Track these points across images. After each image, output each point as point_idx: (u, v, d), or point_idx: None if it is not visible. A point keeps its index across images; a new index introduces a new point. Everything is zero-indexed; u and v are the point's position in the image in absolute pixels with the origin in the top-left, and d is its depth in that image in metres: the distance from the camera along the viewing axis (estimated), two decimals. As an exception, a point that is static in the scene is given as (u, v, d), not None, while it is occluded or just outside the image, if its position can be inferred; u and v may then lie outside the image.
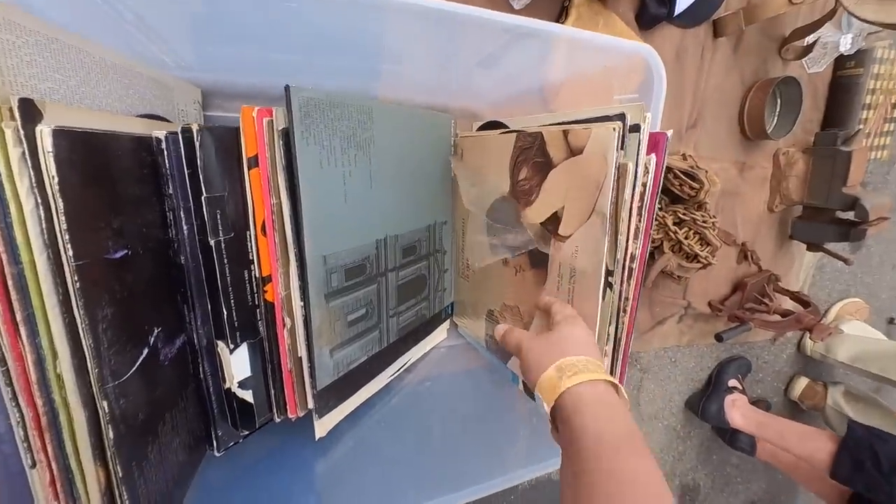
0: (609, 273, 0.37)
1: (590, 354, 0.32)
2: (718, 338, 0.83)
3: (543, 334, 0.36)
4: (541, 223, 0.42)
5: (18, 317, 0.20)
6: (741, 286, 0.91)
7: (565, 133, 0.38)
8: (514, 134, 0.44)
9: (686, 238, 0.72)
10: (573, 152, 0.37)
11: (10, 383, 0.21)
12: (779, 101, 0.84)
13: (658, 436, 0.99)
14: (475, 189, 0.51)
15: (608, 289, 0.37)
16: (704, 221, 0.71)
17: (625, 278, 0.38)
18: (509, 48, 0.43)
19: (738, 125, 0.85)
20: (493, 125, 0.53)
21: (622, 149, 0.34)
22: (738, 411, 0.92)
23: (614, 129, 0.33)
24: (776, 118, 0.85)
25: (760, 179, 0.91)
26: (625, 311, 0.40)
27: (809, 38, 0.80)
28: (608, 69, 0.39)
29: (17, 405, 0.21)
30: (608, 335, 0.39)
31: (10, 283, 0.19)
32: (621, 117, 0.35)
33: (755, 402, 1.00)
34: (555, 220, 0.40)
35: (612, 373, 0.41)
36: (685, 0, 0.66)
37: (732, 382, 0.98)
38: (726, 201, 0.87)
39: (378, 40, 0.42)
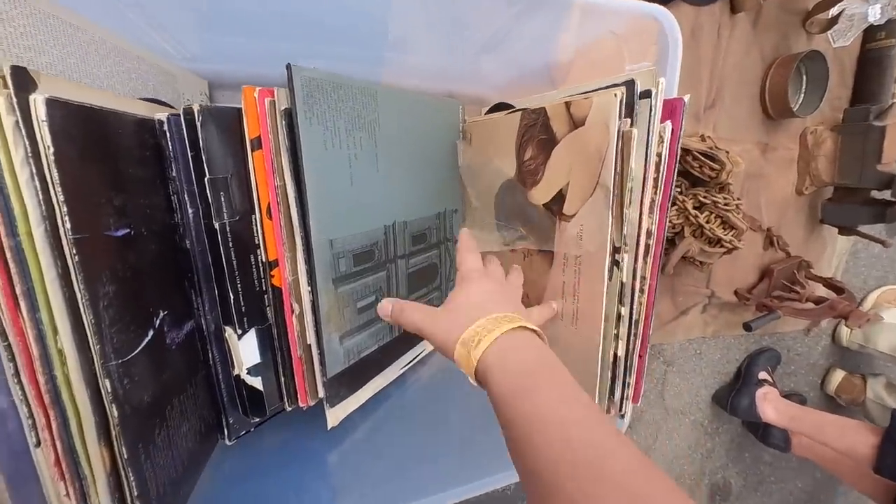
0: (616, 250, 0.35)
1: (487, 312, 0.30)
2: (747, 327, 0.80)
3: (439, 310, 0.32)
4: (545, 204, 0.40)
5: (18, 290, 0.20)
6: (768, 273, 0.87)
7: (567, 105, 0.36)
8: (520, 113, 0.42)
9: (707, 222, 0.69)
10: (576, 124, 0.36)
11: (12, 358, 0.20)
12: (804, 77, 0.80)
13: (685, 432, 0.95)
14: (483, 175, 0.50)
15: (615, 267, 0.35)
16: (727, 204, 0.68)
17: (640, 255, 0.36)
18: (515, 25, 0.42)
19: (759, 104, 0.81)
20: (501, 108, 0.52)
21: (630, 116, 0.33)
22: (770, 405, 0.87)
23: (616, 94, 0.32)
24: (801, 95, 0.81)
25: (786, 161, 0.86)
26: (642, 290, 0.38)
27: (834, 10, 0.76)
28: (618, 37, 0.37)
29: (20, 381, 0.21)
30: (620, 316, 0.37)
31: (8, 255, 0.19)
32: (629, 84, 0.33)
33: (788, 397, 0.95)
34: (559, 199, 0.39)
35: (629, 356, 0.38)
36: (699, -26, 0.64)
37: (762, 375, 0.93)
38: (749, 184, 0.83)
39: (382, 26, 0.42)
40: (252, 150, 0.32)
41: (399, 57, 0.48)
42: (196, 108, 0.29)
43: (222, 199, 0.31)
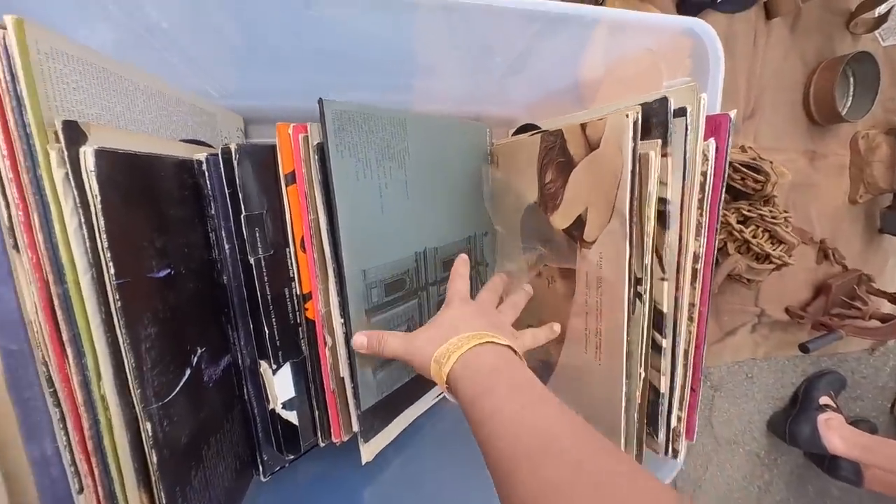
0: (637, 281, 0.32)
1: (460, 332, 0.32)
2: (804, 348, 0.74)
3: (417, 333, 0.34)
4: (565, 229, 0.39)
5: (64, 337, 0.20)
6: (824, 289, 0.80)
7: (583, 127, 0.35)
8: (540, 135, 0.41)
9: (754, 237, 0.65)
10: (591, 147, 0.34)
11: (57, 404, 0.20)
12: (851, 80, 0.76)
13: (739, 462, 0.88)
14: (509, 198, 0.49)
15: (637, 300, 0.33)
16: (774, 217, 0.64)
17: (687, 281, 0.34)
18: (542, 43, 0.41)
19: (803, 111, 0.77)
20: (526, 129, 0.51)
21: (663, 136, 0.31)
22: (835, 433, 0.80)
23: (627, 115, 0.30)
24: (850, 99, 0.76)
25: (836, 168, 0.81)
26: (691, 318, 0.35)
27: (881, 8, 0.72)
28: (654, 53, 0.36)
29: (65, 427, 0.21)
30: (661, 349, 0.34)
31: (56, 303, 0.20)
32: (662, 102, 0.31)
33: (855, 423, 0.86)
34: (579, 224, 0.37)
35: (676, 390, 0.36)
36: (731, -18, 0.62)
37: (824, 400, 0.86)
38: (797, 195, 0.79)
39: (409, 54, 0.42)
40: (286, 185, 0.32)
41: (427, 83, 0.48)
42: (233, 147, 0.29)
43: (257, 234, 0.31)
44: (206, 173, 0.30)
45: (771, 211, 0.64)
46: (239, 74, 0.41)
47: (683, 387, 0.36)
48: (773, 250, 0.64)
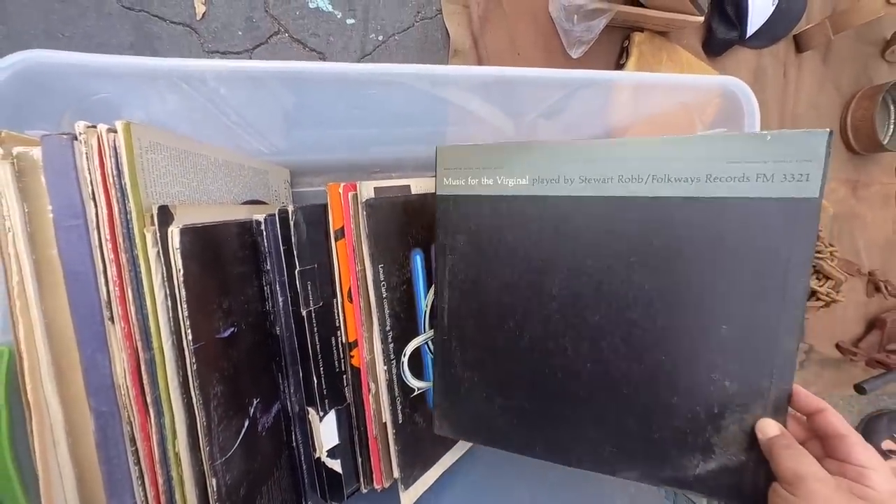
0: None
1: None
2: (860, 389, 0.69)
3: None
4: None
5: (148, 399, 0.22)
6: (879, 324, 0.76)
7: None
8: None
9: (797, 272, 0.63)
10: None
11: (137, 462, 0.22)
12: (891, 108, 0.74)
13: (793, 511, 0.81)
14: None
15: None
16: (819, 252, 0.61)
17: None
18: (572, 96, 0.43)
19: (841, 140, 0.75)
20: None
21: None
22: (902, 483, 0.73)
23: None
24: (891, 127, 0.74)
25: (881, 197, 0.78)
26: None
27: (919, 36, 0.71)
28: (687, 106, 0.37)
29: (143, 484, 0.22)
30: None
31: (142, 367, 0.21)
32: None
33: (925, 471, 0.79)
34: None
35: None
36: (758, 19, 0.63)
37: (887, 444, 0.79)
38: (841, 226, 0.76)
39: (443, 108, 0.45)
40: (336, 240, 0.34)
41: (459, 129, 0.51)
42: (290, 208, 0.32)
43: (309, 288, 0.33)
44: (264, 232, 0.32)
45: (815, 245, 0.62)
46: (289, 134, 0.44)
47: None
48: (820, 287, 0.61)
